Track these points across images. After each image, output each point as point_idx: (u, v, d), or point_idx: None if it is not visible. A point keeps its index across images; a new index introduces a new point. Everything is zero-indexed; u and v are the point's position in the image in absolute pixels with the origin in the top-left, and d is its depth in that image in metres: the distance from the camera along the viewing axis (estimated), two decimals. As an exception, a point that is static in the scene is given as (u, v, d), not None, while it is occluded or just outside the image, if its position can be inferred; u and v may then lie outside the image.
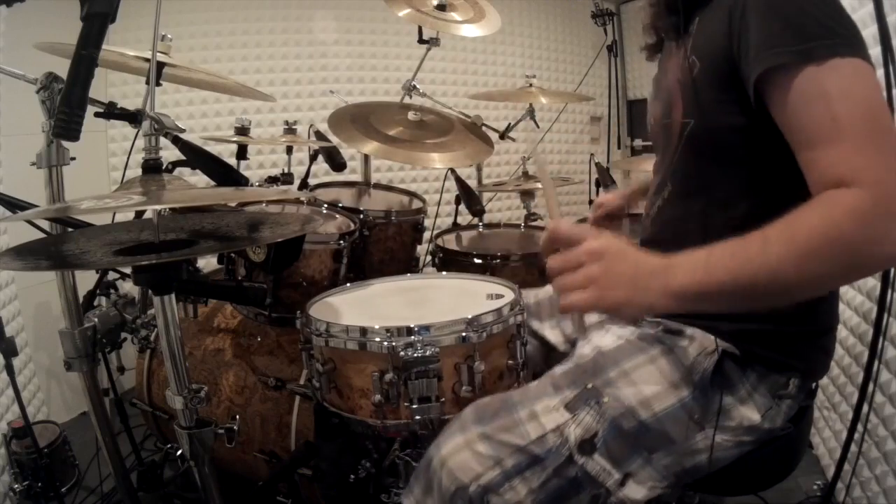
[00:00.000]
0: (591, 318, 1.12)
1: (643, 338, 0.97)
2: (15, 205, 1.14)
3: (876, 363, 1.39)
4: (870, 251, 0.66)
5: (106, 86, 2.42)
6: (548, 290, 1.30)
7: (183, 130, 1.15)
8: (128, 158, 1.77)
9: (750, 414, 0.91)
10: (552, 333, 1.23)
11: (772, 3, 0.77)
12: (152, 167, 1.03)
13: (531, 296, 1.29)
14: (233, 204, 1.27)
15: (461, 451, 0.90)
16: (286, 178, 1.97)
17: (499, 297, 1.22)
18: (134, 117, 1.33)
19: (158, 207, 0.74)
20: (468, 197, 1.97)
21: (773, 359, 0.92)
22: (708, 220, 0.90)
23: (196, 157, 1.29)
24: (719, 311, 0.78)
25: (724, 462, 0.93)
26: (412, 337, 1.04)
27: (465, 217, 2.15)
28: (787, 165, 0.78)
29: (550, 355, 1.23)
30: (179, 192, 0.92)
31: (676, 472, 0.91)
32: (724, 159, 0.89)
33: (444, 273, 1.62)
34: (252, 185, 1.68)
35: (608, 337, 1.00)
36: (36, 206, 1.10)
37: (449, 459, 0.90)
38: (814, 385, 1.06)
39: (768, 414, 0.92)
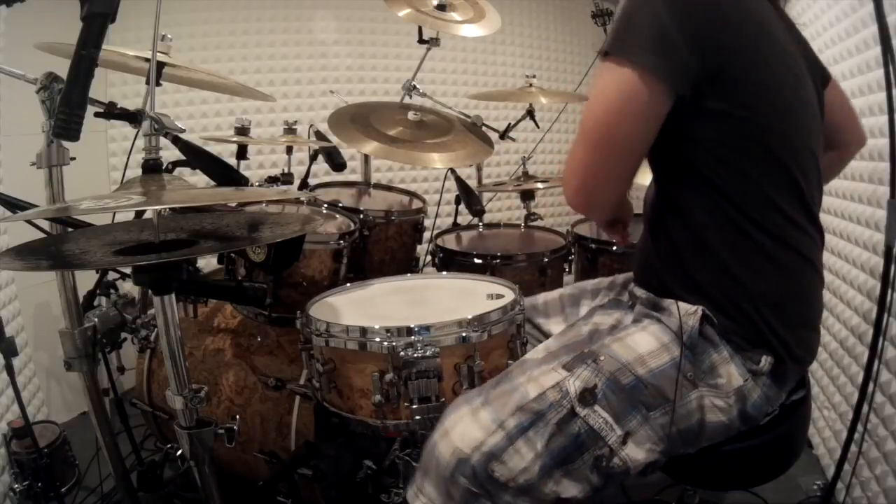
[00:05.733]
0: (586, 304, 1.23)
1: (636, 318, 1.03)
2: (15, 205, 1.14)
3: (876, 363, 1.39)
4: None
5: (106, 86, 2.41)
6: (556, 292, 1.33)
7: (183, 130, 1.15)
8: (128, 158, 1.77)
9: (735, 372, 0.94)
10: (555, 326, 1.25)
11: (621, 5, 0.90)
12: (152, 167, 1.03)
13: (539, 298, 1.32)
14: (233, 204, 1.26)
15: (463, 419, 0.92)
16: (286, 178, 1.97)
17: (499, 297, 1.22)
18: (134, 117, 1.33)
19: (158, 208, 0.74)
20: (468, 197, 1.96)
21: (743, 334, 0.95)
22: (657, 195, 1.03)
23: (196, 157, 1.29)
24: None
25: (716, 431, 0.95)
26: (412, 337, 1.04)
27: (465, 217, 2.14)
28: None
29: None
30: (179, 192, 0.91)
31: (671, 434, 0.93)
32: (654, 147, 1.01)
33: (444, 273, 1.62)
34: (252, 185, 1.68)
35: (607, 317, 1.08)
36: (36, 206, 1.10)
37: (451, 430, 0.91)
38: (808, 377, 1.07)
39: (746, 384, 0.95)
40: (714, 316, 0.94)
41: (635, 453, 0.90)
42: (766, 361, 0.95)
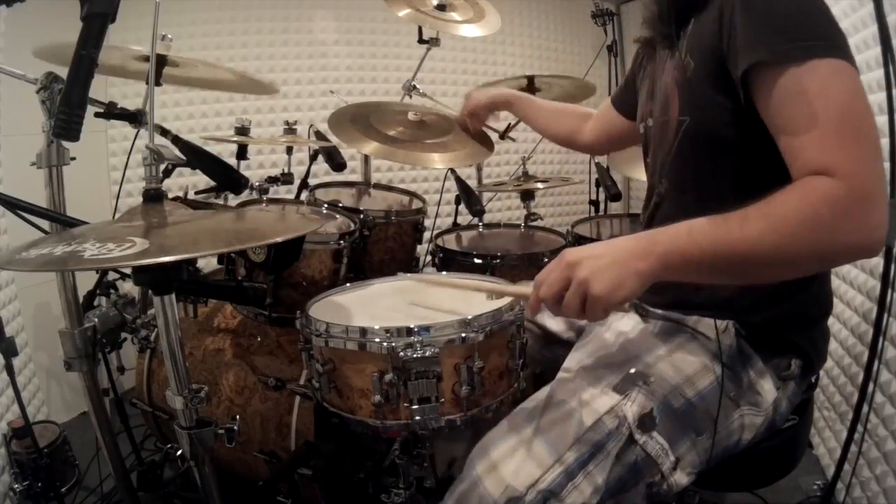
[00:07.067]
0: None
1: (664, 329, 0.99)
2: (15, 205, 1.14)
3: (876, 363, 1.39)
4: (842, 238, 0.71)
5: (106, 86, 2.41)
6: None
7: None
8: (128, 158, 1.77)
9: (770, 384, 0.94)
10: (554, 322, 1.25)
11: (758, 5, 0.80)
12: (153, 197, 1.02)
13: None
14: (238, 247, 1.23)
15: (516, 452, 0.85)
16: (286, 178, 1.97)
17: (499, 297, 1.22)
18: (134, 117, 1.34)
19: (160, 260, 0.75)
20: (468, 197, 1.96)
21: (771, 343, 0.95)
22: (702, 215, 0.92)
23: (196, 158, 1.29)
24: (700, 280, 0.80)
25: (745, 444, 0.95)
26: (412, 337, 1.03)
27: (465, 217, 2.14)
28: (778, 160, 0.80)
29: (551, 347, 1.24)
30: (180, 229, 0.90)
31: (710, 456, 0.91)
32: (718, 155, 0.91)
33: (444, 273, 1.62)
34: (253, 187, 1.68)
35: (627, 321, 1.04)
36: (36, 206, 1.10)
37: (501, 464, 0.84)
38: (813, 379, 1.08)
39: (779, 393, 0.94)
40: (742, 328, 0.93)
41: (681, 478, 0.88)
42: (795, 365, 0.95)
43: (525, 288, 0.88)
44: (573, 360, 1.01)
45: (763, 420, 0.94)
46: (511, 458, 0.85)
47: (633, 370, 0.92)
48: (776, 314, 0.93)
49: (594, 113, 1.45)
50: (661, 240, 0.77)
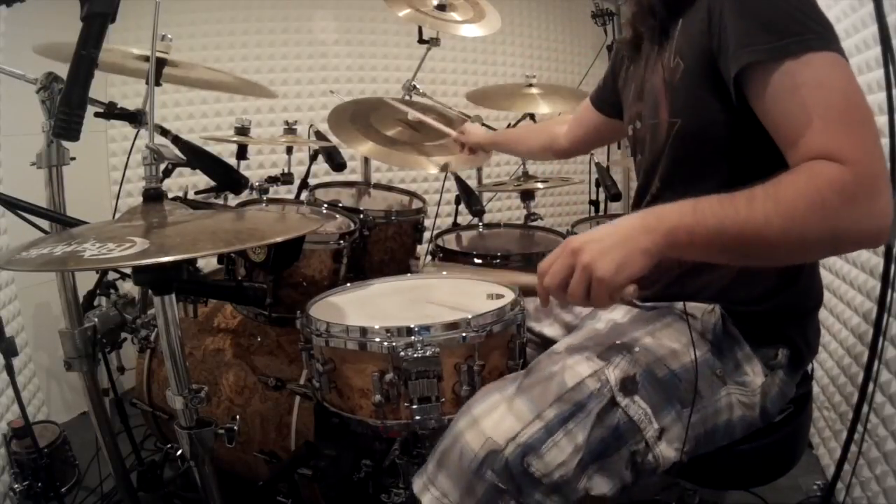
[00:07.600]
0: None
1: (655, 313, 1.00)
2: (15, 205, 1.14)
3: (876, 363, 1.39)
4: (849, 224, 0.70)
5: (106, 86, 2.41)
6: None
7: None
8: (128, 158, 1.78)
9: (758, 369, 0.94)
10: (551, 329, 1.25)
11: (747, 1, 0.79)
12: (153, 196, 1.02)
13: (529, 302, 1.30)
14: (238, 247, 1.23)
15: (496, 408, 0.86)
16: (286, 178, 1.98)
17: (499, 297, 1.22)
18: (134, 117, 1.34)
19: (160, 260, 0.75)
20: (468, 197, 1.96)
21: (760, 334, 0.95)
22: None
23: (196, 158, 1.29)
24: (706, 259, 0.79)
25: (737, 429, 0.95)
26: (412, 337, 1.03)
27: (465, 217, 2.14)
28: (770, 160, 0.80)
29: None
30: (180, 228, 0.90)
31: (698, 434, 0.91)
32: (709, 156, 0.91)
33: (444, 273, 1.62)
34: (253, 187, 1.68)
35: (618, 311, 1.04)
36: (36, 206, 1.10)
37: (482, 419, 0.85)
38: (810, 370, 1.08)
39: (766, 380, 0.95)
40: (730, 315, 0.94)
41: (668, 451, 0.88)
42: (782, 354, 0.95)
43: (532, 277, 0.88)
44: (562, 342, 1.02)
45: (753, 403, 0.94)
46: (492, 413, 0.85)
47: (618, 341, 0.93)
48: (766, 308, 0.94)
49: (568, 118, 1.48)
50: (666, 216, 0.76)
